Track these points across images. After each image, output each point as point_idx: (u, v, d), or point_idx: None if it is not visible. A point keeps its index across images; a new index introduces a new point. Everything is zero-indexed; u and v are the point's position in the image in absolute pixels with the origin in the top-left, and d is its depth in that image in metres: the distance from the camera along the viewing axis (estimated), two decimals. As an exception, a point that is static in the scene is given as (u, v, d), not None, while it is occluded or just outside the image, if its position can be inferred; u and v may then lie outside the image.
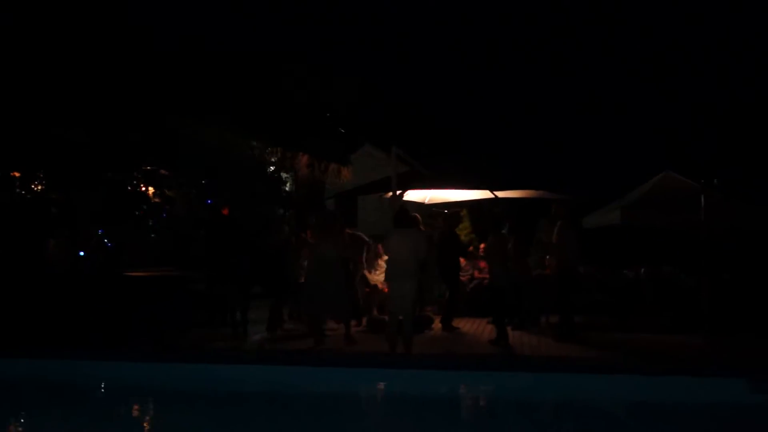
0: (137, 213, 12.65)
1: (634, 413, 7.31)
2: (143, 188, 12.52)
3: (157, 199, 12.62)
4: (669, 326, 10.58)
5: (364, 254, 11.08)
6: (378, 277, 11.79)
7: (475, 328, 10.87)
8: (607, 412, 7.50)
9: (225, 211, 10.82)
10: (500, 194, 11.74)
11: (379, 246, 11.64)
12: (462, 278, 12.03)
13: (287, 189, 16.44)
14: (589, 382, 7.70)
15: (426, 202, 13.09)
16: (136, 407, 7.17)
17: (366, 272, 11.73)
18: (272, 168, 15.01)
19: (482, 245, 11.38)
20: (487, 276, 10.62)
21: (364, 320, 10.89)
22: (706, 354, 8.84)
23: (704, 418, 7.09)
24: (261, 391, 7.63)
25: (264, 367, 8.15)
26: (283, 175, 15.90)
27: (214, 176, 12.00)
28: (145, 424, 6.69)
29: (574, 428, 6.62)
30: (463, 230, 13.71)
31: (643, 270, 12.15)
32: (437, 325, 10.97)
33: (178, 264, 14.05)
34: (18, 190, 11.90)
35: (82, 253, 13.13)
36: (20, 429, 6.35)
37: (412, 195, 12.37)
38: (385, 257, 11.35)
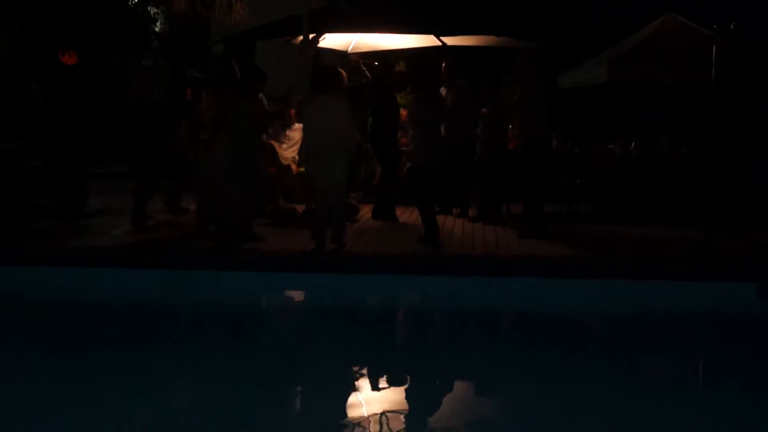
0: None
1: (615, 326, 7.65)
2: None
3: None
4: (665, 217, 10.95)
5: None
6: (287, 153, 11.78)
7: (415, 217, 10.95)
8: (581, 325, 7.89)
9: (69, 59, 10.41)
10: (449, 41, 11.60)
11: (291, 112, 11.58)
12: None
13: (157, 30, 15.90)
14: (560, 288, 8.14)
15: (349, 50, 12.92)
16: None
17: (274, 144, 11.68)
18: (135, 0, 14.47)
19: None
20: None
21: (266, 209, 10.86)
22: (710, 253, 8.98)
23: (704, 331, 7.50)
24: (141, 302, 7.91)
25: (136, 271, 8.36)
26: (152, 10, 15.33)
27: (48, 8, 11.38)
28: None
29: (539, 345, 6.84)
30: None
31: (633, 144, 12.35)
32: (366, 214, 11.15)
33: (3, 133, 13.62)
34: None
35: None
36: None
37: (332, 41, 12.17)
38: (296, 127, 11.41)
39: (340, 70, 10.06)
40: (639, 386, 5.77)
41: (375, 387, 5.91)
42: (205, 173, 9.78)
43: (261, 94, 10.14)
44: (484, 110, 10.96)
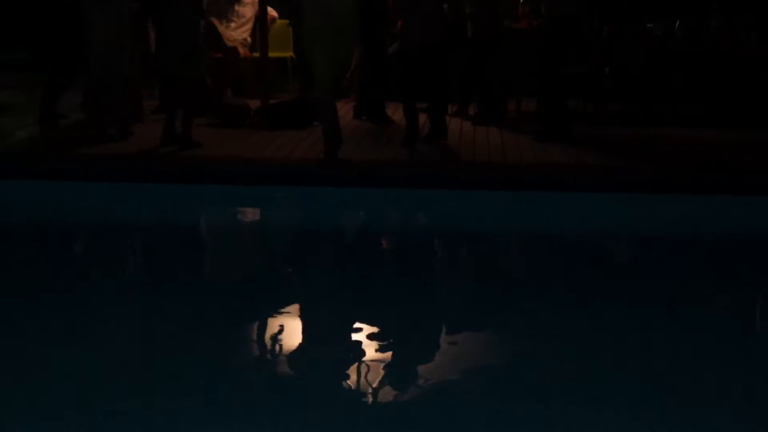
0: None
1: (652, 250, 7.15)
2: None
3: None
4: (715, 116, 10.32)
5: None
6: (236, 33, 10.98)
7: (401, 116, 10.22)
8: (609, 249, 7.52)
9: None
10: None
11: None
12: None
13: None
14: (583, 204, 7.67)
15: None
16: None
17: (215, 22, 10.87)
18: None
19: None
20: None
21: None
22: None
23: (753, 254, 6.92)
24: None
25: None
26: None
27: None
28: None
29: (559, 274, 6.37)
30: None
31: (678, 23, 11.63)
32: (347, 114, 10.40)
33: None
34: None
35: None
36: None
37: None
38: (248, 1, 10.97)
39: None
40: (690, 325, 5.23)
41: (371, 325, 5.26)
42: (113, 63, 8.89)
43: None
44: None
